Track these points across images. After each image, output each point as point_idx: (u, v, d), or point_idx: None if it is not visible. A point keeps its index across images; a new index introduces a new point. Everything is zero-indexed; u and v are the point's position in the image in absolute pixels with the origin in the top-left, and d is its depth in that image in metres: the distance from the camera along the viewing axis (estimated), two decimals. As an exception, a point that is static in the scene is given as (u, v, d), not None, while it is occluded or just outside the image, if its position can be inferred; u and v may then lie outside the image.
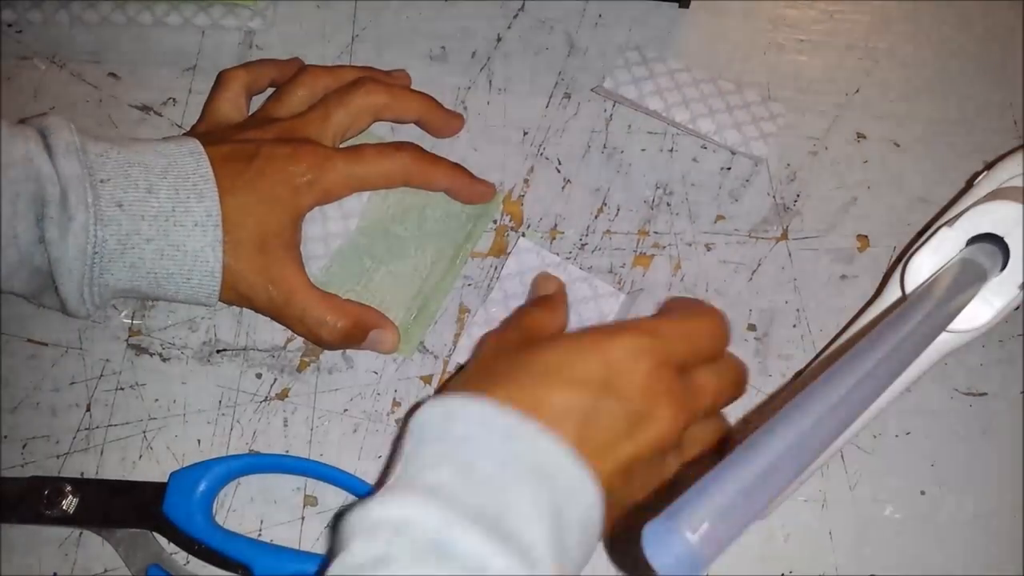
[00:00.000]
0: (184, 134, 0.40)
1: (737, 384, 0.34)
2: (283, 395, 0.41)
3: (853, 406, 0.23)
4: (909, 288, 0.31)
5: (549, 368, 0.29)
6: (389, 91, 0.42)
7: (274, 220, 0.38)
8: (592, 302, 0.42)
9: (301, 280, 0.39)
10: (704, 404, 0.31)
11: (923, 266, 0.31)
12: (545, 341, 0.31)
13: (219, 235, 0.36)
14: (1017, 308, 0.31)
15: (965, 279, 0.29)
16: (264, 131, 0.40)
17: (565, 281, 0.41)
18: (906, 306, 0.27)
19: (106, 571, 0.38)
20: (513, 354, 0.31)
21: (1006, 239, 0.30)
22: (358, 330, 0.39)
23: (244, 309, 0.42)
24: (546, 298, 0.39)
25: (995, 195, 0.33)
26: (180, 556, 0.38)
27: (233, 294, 0.38)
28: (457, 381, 0.35)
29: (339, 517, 0.34)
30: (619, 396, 0.29)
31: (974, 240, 0.31)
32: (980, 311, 0.30)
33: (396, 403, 0.41)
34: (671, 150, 0.46)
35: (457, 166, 0.43)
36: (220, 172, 0.37)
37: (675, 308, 0.36)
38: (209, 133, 0.40)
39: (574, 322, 0.41)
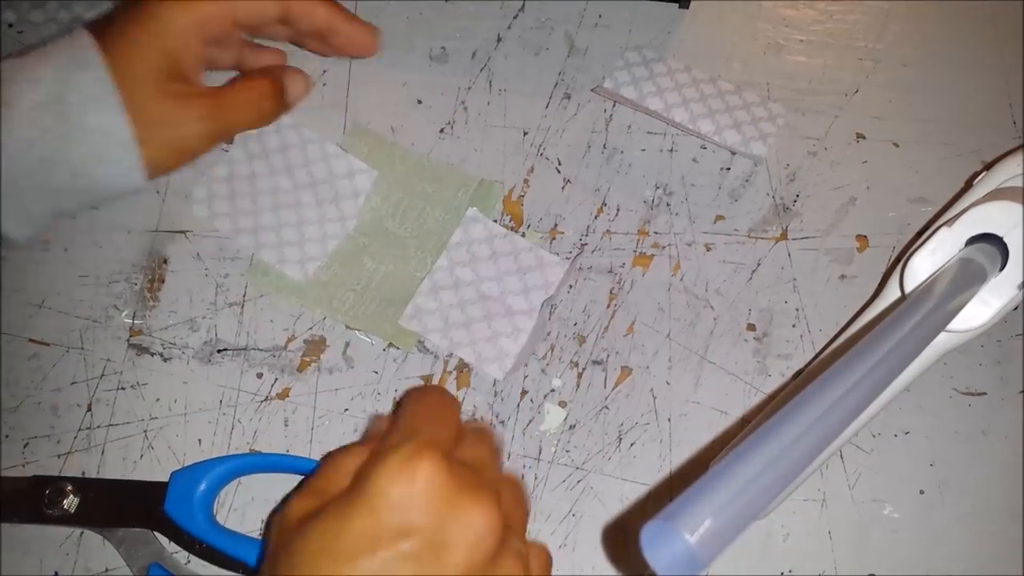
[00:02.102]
0: None
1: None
2: (284, 395, 0.41)
3: (852, 406, 0.23)
4: (908, 288, 0.31)
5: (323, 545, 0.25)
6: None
7: (165, 60, 0.36)
8: (538, 271, 0.43)
9: (214, 95, 0.37)
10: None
11: (922, 266, 0.31)
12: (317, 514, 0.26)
13: (115, 101, 0.34)
14: (1016, 308, 0.31)
15: (964, 279, 0.29)
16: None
17: (511, 252, 0.43)
18: (905, 306, 0.27)
19: (107, 570, 0.38)
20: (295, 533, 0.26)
21: (1005, 239, 0.30)
22: (275, 87, 0.39)
23: (244, 310, 0.42)
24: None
25: (994, 195, 0.33)
26: (181, 555, 0.38)
27: (161, 160, 0.36)
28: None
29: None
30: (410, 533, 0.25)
31: (973, 240, 0.31)
32: (979, 311, 0.30)
33: (397, 403, 0.41)
34: (671, 150, 0.46)
35: (339, 7, 0.40)
36: (101, 34, 0.35)
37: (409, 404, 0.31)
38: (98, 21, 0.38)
39: (516, 287, 0.42)
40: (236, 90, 0.38)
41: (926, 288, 0.28)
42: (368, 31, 0.41)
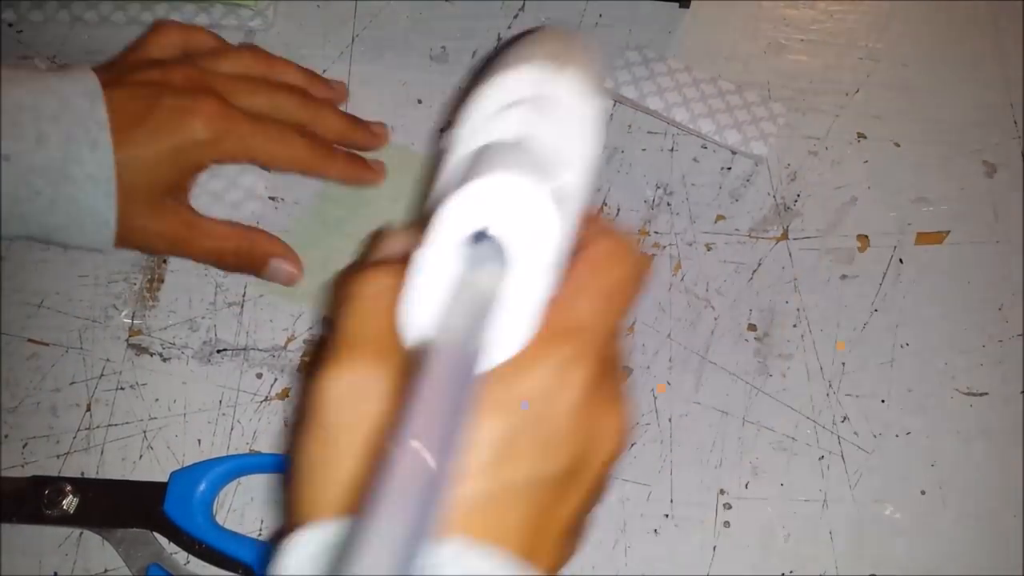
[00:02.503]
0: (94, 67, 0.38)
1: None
2: (283, 395, 0.41)
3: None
4: (413, 343, 0.22)
5: None
6: (313, 108, 0.41)
7: (169, 176, 0.37)
8: None
9: (194, 220, 0.39)
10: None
11: (415, 315, 0.22)
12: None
13: (112, 189, 0.35)
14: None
15: (478, 317, 0.21)
16: (168, 72, 0.37)
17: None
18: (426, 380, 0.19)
19: (106, 571, 0.38)
20: None
21: (502, 241, 0.21)
22: (256, 253, 0.40)
23: (244, 310, 0.42)
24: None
25: (477, 168, 0.22)
26: (180, 556, 0.38)
27: (128, 244, 0.38)
28: None
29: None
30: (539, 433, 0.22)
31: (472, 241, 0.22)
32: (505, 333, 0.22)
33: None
34: (671, 150, 0.46)
35: (352, 158, 0.42)
36: (116, 117, 0.35)
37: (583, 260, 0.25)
38: (112, 67, 0.38)
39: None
40: (212, 229, 0.39)
41: (440, 345, 0.20)
42: (376, 138, 0.44)
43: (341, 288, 0.24)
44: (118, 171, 0.35)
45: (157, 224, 0.38)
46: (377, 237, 0.27)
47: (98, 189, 0.35)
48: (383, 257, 0.26)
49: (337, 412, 0.22)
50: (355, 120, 0.44)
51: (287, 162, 0.40)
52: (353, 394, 0.22)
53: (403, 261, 0.22)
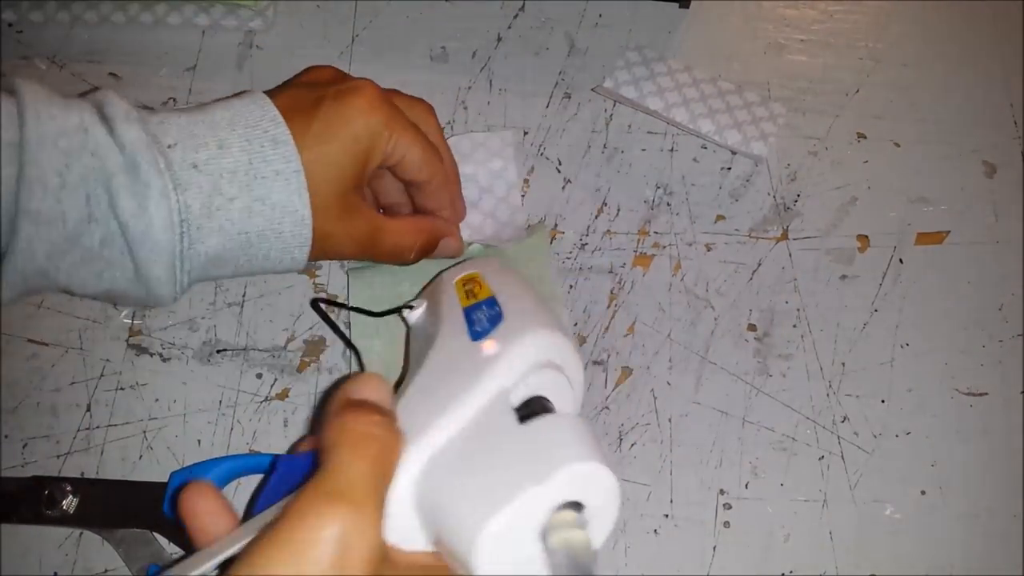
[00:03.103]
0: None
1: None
2: (283, 395, 0.41)
3: None
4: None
5: None
6: (440, 134, 0.41)
7: (352, 170, 0.35)
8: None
9: (377, 218, 0.38)
10: None
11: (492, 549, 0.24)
12: None
13: (303, 180, 0.34)
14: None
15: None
16: (319, 73, 0.38)
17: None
18: None
19: (106, 571, 0.38)
20: None
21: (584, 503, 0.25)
22: (432, 240, 0.40)
23: (243, 310, 0.42)
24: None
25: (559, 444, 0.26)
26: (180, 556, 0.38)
27: (321, 253, 0.36)
28: None
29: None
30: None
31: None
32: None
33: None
34: (671, 150, 0.46)
35: (461, 202, 0.43)
36: (289, 118, 0.34)
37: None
38: (267, 91, 0.38)
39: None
40: (396, 226, 0.38)
41: None
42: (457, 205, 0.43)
43: (340, 418, 0.25)
44: (304, 173, 0.34)
45: (349, 226, 0.36)
46: (357, 381, 0.27)
47: (289, 184, 0.34)
48: (372, 400, 0.27)
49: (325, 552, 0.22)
50: (455, 174, 0.42)
51: (429, 174, 0.39)
52: (344, 541, 0.22)
53: (387, 414, 0.26)
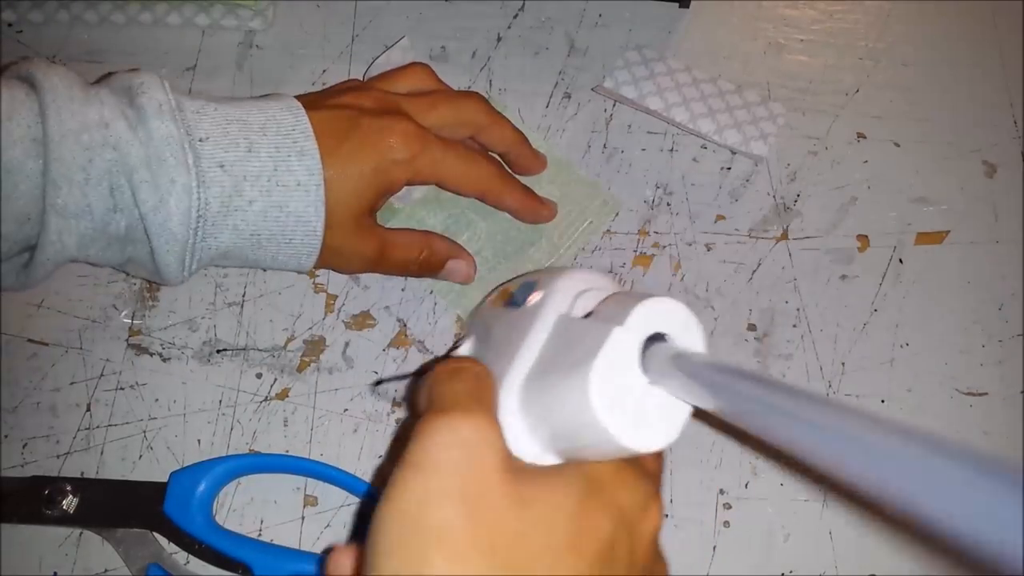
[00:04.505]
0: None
1: None
2: (283, 395, 0.41)
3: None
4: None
5: None
6: (493, 114, 0.41)
7: (369, 196, 0.37)
8: None
9: (386, 235, 0.39)
10: None
11: (600, 388, 0.25)
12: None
13: (321, 195, 0.35)
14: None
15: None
16: (361, 97, 0.38)
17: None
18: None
19: (106, 571, 0.38)
20: None
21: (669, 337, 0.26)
22: (436, 258, 0.41)
23: (243, 310, 0.42)
24: None
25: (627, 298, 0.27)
26: (180, 556, 0.38)
27: (326, 263, 0.39)
28: None
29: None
30: None
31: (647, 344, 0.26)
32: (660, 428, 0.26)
33: (396, 403, 0.41)
34: (671, 150, 0.46)
35: (528, 191, 0.42)
36: (320, 135, 0.36)
37: None
38: (307, 96, 0.39)
39: None
40: (402, 242, 0.40)
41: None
42: (537, 161, 0.44)
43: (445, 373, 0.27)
44: (324, 188, 0.35)
45: (358, 244, 0.38)
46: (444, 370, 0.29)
47: (308, 196, 0.35)
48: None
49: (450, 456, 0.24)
50: (524, 136, 0.43)
51: (473, 184, 0.40)
52: (467, 445, 0.24)
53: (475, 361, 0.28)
